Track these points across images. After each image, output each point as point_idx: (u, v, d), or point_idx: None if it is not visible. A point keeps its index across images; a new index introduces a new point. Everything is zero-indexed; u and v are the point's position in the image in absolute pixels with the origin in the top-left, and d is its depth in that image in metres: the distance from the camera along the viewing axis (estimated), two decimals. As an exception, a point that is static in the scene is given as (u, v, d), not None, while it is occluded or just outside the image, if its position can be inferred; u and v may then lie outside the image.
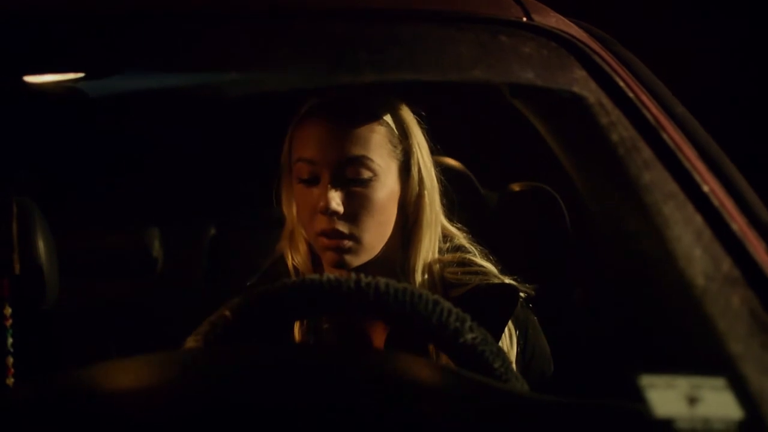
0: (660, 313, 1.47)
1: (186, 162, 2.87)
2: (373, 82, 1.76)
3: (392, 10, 1.73)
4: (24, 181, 2.49)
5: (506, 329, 1.85)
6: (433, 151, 1.96)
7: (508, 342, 1.85)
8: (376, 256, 1.87)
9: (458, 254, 1.93)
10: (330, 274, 1.55)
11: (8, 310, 1.88)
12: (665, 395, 1.10)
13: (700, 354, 1.34)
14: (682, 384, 1.11)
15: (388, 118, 1.87)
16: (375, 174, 1.84)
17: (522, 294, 1.89)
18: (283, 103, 1.88)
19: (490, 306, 1.83)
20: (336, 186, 1.83)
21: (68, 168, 2.65)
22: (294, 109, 1.92)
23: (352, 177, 1.83)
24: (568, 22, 1.76)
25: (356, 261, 1.86)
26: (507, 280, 1.90)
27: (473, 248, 1.96)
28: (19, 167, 2.43)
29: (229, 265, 2.62)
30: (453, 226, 1.99)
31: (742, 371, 1.23)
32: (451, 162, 2.42)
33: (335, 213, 1.82)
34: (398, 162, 1.88)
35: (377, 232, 1.86)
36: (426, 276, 1.90)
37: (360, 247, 1.85)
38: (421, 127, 1.93)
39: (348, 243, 1.84)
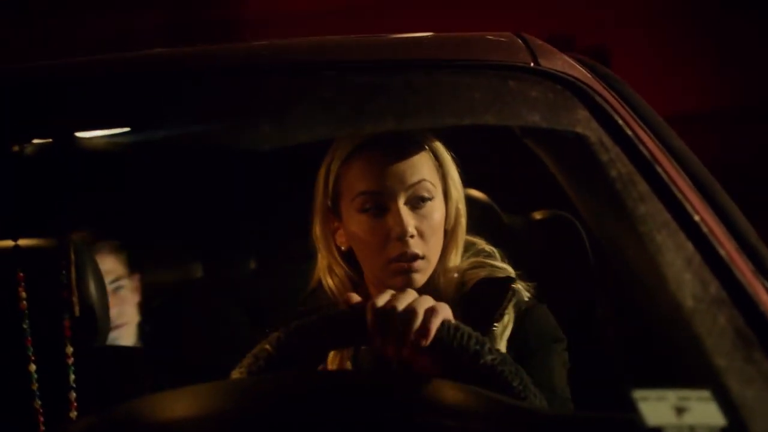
0: (653, 333, 1.60)
1: (225, 203, 2.98)
2: (393, 129, 1.88)
3: (408, 60, 1.87)
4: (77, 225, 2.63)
5: (504, 316, 1.97)
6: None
7: (501, 330, 1.97)
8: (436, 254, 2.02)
9: (479, 259, 2.07)
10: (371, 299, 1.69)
11: (69, 349, 2.01)
12: (656, 406, 1.23)
13: (689, 368, 1.47)
14: (671, 396, 1.24)
15: (427, 145, 2.01)
16: (433, 196, 1.99)
17: (523, 284, 2.03)
18: (309, 151, 2.00)
19: (489, 294, 1.98)
20: (407, 210, 1.97)
21: (115, 208, 2.77)
22: (316, 156, 2.05)
23: (418, 201, 1.98)
24: (574, 63, 1.87)
25: (423, 279, 1.99)
26: (503, 266, 2.05)
27: (494, 250, 2.11)
28: (72, 213, 2.56)
29: (270, 296, 2.72)
30: (472, 236, 2.13)
31: (727, 383, 1.36)
32: (475, 193, 2.53)
33: (413, 236, 1.96)
34: (441, 184, 2.03)
35: (437, 249, 2.01)
36: (447, 280, 2.04)
37: (428, 265, 1.99)
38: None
39: (421, 264, 1.97)
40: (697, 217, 1.58)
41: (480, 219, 2.17)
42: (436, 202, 2.00)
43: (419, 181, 1.97)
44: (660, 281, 1.51)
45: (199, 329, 2.78)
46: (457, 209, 2.05)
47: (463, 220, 2.06)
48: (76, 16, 7.81)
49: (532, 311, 2.02)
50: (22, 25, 7.75)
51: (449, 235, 2.04)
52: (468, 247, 2.09)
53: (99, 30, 7.42)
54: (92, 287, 2.25)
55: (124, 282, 2.75)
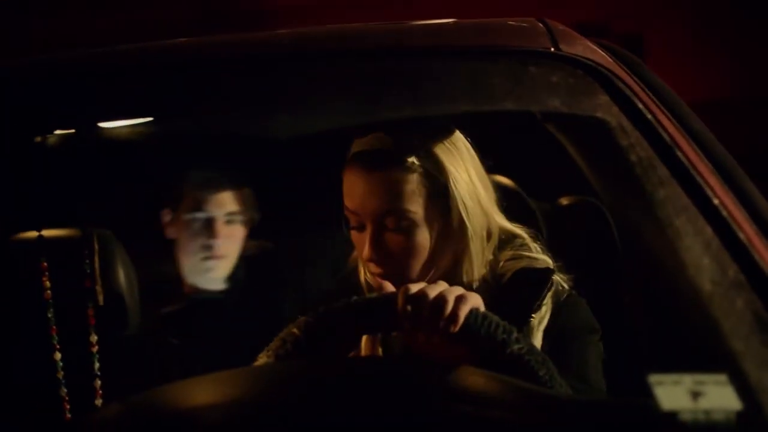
0: (671, 317, 1.60)
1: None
2: (413, 117, 1.87)
3: (428, 47, 1.87)
4: (104, 215, 2.64)
5: (543, 306, 1.96)
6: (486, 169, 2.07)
7: (538, 320, 1.96)
8: (431, 276, 1.99)
9: (517, 251, 2.05)
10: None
11: (94, 338, 2.04)
12: (672, 391, 1.23)
13: (706, 352, 1.47)
14: (687, 380, 1.24)
15: (421, 161, 1.95)
16: (412, 221, 1.95)
17: (561, 276, 2.01)
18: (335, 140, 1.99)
19: (527, 285, 1.96)
20: (377, 236, 1.95)
21: (143, 200, 2.78)
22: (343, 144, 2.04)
23: (392, 227, 1.95)
24: (595, 48, 1.87)
25: None
26: (542, 257, 2.03)
27: (534, 244, 2.07)
28: (99, 203, 2.58)
29: (305, 278, 2.73)
30: (516, 226, 2.09)
31: (744, 367, 1.36)
32: (501, 179, 2.51)
33: (380, 262, 1.96)
34: (437, 200, 1.97)
35: (424, 268, 1.98)
36: (472, 275, 2.02)
37: (410, 281, 1.97)
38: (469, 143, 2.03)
39: (399, 280, 1.95)
40: (716, 201, 1.57)
41: (506, 205, 2.15)
42: (417, 228, 1.96)
43: (392, 210, 1.94)
44: (679, 265, 1.51)
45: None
46: (460, 218, 1.98)
47: (476, 222, 2.00)
48: (107, 7, 7.86)
49: (569, 303, 2.01)
50: (53, 13, 7.79)
51: (462, 240, 2.00)
52: (509, 239, 2.07)
53: (129, 22, 7.44)
54: (121, 275, 2.28)
55: (238, 218, 2.72)
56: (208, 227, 2.66)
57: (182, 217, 2.67)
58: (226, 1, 8.46)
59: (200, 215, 2.66)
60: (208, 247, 2.66)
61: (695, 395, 1.23)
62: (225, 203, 2.69)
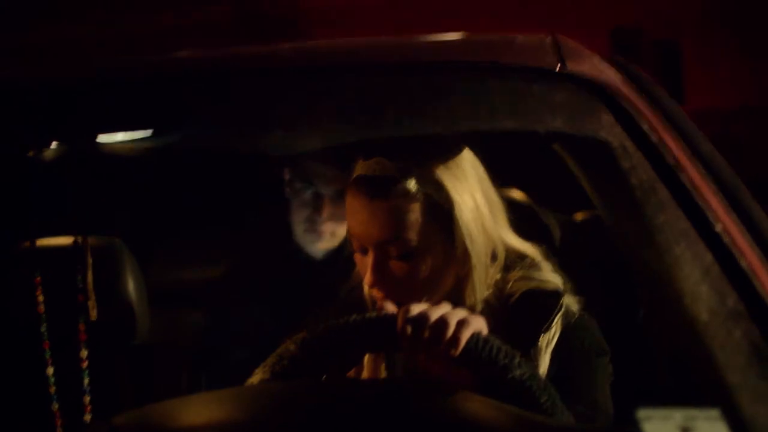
0: (666, 346, 1.56)
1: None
2: (414, 135, 1.85)
3: (431, 62, 1.84)
4: (112, 223, 2.63)
5: (551, 329, 1.93)
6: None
7: (546, 342, 1.93)
8: (433, 299, 1.95)
9: (526, 271, 2.01)
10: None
11: (84, 353, 2.02)
12: (661, 427, 1.20)
13: (699, 384, 1.43)
14: (677, 416, 1.21)
15: (424, 189, 1.92)
16: (415, 249, 1.92)
17: (571, 297, 1.98)
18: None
19: (535, 307, 1.93)
20: (379, 263, 1.93)
21: (153, 207, 2.78)
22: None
23: (394, 255, 1.92)
24: (604, 65, 1.84)
25: None
26: (552, 278, 1.99)
27: (545, 264, 2.04)
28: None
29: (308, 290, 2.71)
30: (527, 245, 2.05)
31: (738, 401, 1.32)
32: (514, 193, 2.49)
33: (382, 287, 1.93)
34: (440, 228, 1.94)
35: (426, 292, 1.93)
36: (485, 297, 1.99)
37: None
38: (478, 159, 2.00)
39: (401, 304, 1.92)
40: (719, 227, 1.54)
41: (517, 222, 2.12)
42: (418, 256, 1.94)
43: (394, 238, 1.92)
44: (674, 295, 1.47)
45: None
46: (464, 245, 1.94)
47: (480, 248, 1.96)
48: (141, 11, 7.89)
49: (578, 325, 1.98)
50: (83, 18, 7.84)
51: (465, 266, 1.97)
52: (519, 258, 2.03)
53: (161, 25, 7.47)
54: (129, 285, 2.26)
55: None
56: (315, 201, 2.63)
57: (296, 183, 2.64)
58: (259, 4, 8.48)
59: (310, 187, 2.63)
60: (311, 221, 2.64)
61: (685, 431, 1.20)
62: (336, 181, 2.60)
